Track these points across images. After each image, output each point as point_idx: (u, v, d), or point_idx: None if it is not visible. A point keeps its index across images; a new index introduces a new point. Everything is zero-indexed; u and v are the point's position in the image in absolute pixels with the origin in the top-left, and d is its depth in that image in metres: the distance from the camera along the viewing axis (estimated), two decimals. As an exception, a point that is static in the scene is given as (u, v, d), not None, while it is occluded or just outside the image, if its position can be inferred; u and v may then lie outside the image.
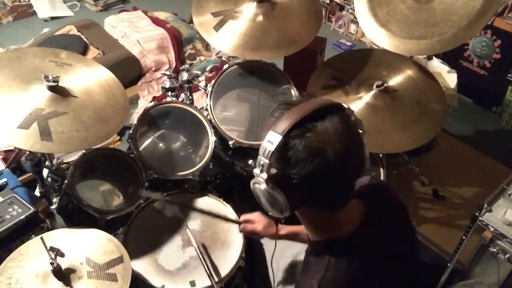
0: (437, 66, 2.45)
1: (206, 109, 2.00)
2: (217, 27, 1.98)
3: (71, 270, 1.29)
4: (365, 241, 0.98)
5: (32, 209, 1.57)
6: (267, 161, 0.88)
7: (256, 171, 0.91)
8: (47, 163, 1.93)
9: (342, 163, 0.87)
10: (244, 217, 1.52)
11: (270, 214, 0.98)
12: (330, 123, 0.87)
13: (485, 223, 1.62)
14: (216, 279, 1.48)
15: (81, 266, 1.32)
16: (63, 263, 1.27)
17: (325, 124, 0.87)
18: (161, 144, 1.94)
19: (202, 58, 3.50)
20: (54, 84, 1.56)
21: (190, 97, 2.19)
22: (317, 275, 0.95)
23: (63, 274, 1.27)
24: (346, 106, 0.94)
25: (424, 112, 1.89)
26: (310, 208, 0.96)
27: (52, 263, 1.23)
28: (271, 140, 0.87)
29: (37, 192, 1.96)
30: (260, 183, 0.91)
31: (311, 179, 0.87)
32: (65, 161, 2.07)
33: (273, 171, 0.89)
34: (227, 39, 1.96)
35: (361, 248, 0.98)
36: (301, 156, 0.85)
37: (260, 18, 1.99)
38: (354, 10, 2.78)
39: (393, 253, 1.03)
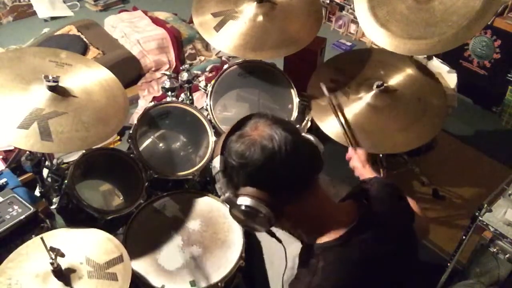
0: (437, 66, 2.45)
1: (206, 109, 2.00)
2: (218, 27, 1.98)
3: (71, 270, 1.29)
4: (355, 244, 0.97)
5: (32, 209, 1.57)
6: (222, 180, 0.93)
7: (223, 198, 0.95)
8: (47, 163, 1.92)
9: (280, 143, 0.90)
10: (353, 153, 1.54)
11: (261, 230, 0.99)
12: (254, 122, 0.95)
13: (485, 223, 1.62)
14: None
15: (81, 266, 1.32)
16: (63, 263, 1.27)
17: (248, 125, 0.95)
18: (161, 144, 1.94)
19: (202, 58, 3.50)
20: (54, 84, 1.55)
21: (190, 97, 2.19)
22: (306, 279, 0.95)
23: (63, 274, 1.27)
24: (263, 113, 0.99)
25: (425, 110, 1.89)
26: (288, 202, 0.95)
27: (52, 263, 1.23)
28: (215, 165, 0.94)
29: (37, 192, 1.96)
30: (232, 204, 0.93)
31: (266, 167, 0.90)
32: (65, 161, 2.07)
33: (233, 184, 0.93)
34: (227, 39, 1.96)
35: (351, 252, 0.96)
36: (242, 154, 0.90)
37: (260, 18, 1.99)
38: (354, 10, 2.78)
39: (385, 258, 1.01)
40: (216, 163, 0.93)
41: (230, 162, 0.92)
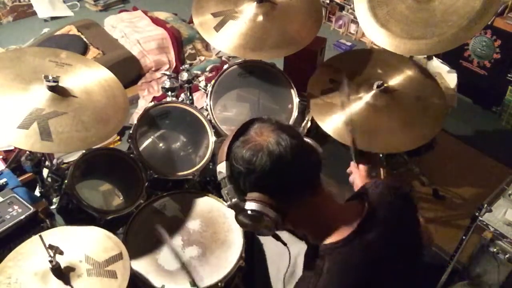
0: (437, 66, 2.45)
1: (206, 109, 2.00)
2: (218, 27, 1.98)
3: (70, 268, 1.29)
4: (360, 245, 0.97)
5: (32, 209, 1.57)
6: (229, 186, 0.93)
7: (229, 204, 0.95)
8: (47, 163, 1.93)
9: (286, 148, 0.91)
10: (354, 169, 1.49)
11: (267, 234, 1.00)
12: (258, 127, 0.95)
13: (485, 223, 1.62)
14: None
15: (80, 264, 1.31)
16: (62, 261, 1.27)
17: (252, 130, 0.95)
18: (161, 144, 1.94)
19: (202, 58, 3.50)
20: (54, 84, 1.56)
21: (190, 97, 2.19)
22: (311, 281, 0.95)
23: (62, 272, 1.27)
24: (265, 117, 1.00)
25: (425, 109, 1.89)
26: (293, 205, 0.96)
27: (51, 261, 1.23)
28: (221, 171, 0.94)
29: (37, 192, 1.96)
30: (239, 209, 0.94)
31: (273, 172, 0.90)
32: (65, 161, 2.07)
33: (240, 189, 0.93)
34: (227, 39, 1.96)
35: (355, 253, 0.96)
36: (249, 159, 0.90)
37: (260, 18, 1.99)
38: (354, 10, 2.78)
39: (389, 259, 1.01)
40: (222, 168, 0.94)
41: (237, 167, 0.92)
